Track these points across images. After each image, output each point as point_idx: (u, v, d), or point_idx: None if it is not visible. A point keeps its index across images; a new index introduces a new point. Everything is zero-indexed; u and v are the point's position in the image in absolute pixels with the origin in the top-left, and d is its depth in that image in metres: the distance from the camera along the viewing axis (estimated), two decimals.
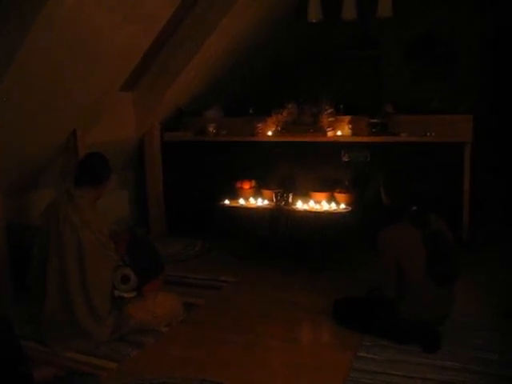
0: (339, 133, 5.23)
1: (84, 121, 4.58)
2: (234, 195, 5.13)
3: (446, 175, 4.77)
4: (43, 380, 2.58)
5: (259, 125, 5.47)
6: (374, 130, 5.04)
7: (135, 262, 3.56)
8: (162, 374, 3.02)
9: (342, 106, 5.39)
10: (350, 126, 5.21)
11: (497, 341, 3.33)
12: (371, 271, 3.71)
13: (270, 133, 5.46)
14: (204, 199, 5.43)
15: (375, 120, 5.05)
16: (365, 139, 5.05)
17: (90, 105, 4.46)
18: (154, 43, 4.71)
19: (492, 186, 5.38)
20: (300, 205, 4.79)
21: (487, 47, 6.19)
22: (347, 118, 5.26)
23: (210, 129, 5.68)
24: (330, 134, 5.18)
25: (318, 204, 4.75)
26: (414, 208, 3.29)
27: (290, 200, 4.83)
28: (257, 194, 5.12)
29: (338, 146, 5.13)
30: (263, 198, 5.02)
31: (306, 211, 4.72)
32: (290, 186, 4.98)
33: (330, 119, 5.21)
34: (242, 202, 5.04)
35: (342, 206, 4.69)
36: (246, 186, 5.18)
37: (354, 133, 5.19)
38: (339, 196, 4.76)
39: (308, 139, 5.21)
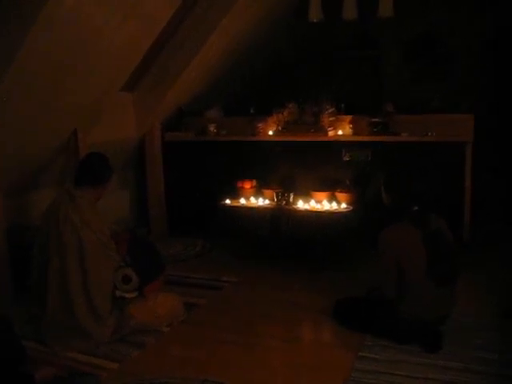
0: (340, 132, 5.23)
1: (84, 121, 4.57)
2: (235, 195, 5.13)
3: (447, 175, 4.76)
4: (43, 380, 2.58)
5: (260, 124, 5.46)
6: (374, 130, 5.03)
7: (136, 262, 3.55)
8: (162, 374, 3.02)
9: (342, 105, 5.39)
10: (351, 125, 5.21)
11: (497, 341, 3.32)
12: (371, 271, 3.70)
13: (270, 132, 5.46)
14: (205, 199, 5.43)
15: (376, 119, 5.04)
16: (366, 139, 5.05)
17: (90, 105, 4.46)
18: (155, 44, 4.71)
19: (492, 186, 5.37)
20: (301, 204, 4.78)
21: (487, 47, 6.18)
22: (348, 117, 5.26)
23: (211, 129, 5.67)
24: (330, 133, 5.18)
25: (319, 203, 4.75)
26: (415, 208, 3.29)
27: (291, 199, 4.82)
28: (258, 193, 5.11)
29: (338, 145, 5.12)
30: (264, 198, 5.02)
31: (306, 211, 4.72)
32: (290, 185, 4.98)
33: (330, 119, 5.20)
34: (242, 201, 5.04)
35: (343, 205, 4.68)
36: (247, 185, 5.18)
37: (355, 132, 5.18)
38: (340, 195, 4.75)
39: (309, 139, 5.21)
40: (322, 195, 4.80)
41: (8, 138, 3.90)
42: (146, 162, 5.78)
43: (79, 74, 4.03)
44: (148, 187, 5.84)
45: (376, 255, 3.39)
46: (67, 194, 3.47)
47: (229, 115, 5.94)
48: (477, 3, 6.16)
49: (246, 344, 3.42)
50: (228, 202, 5.05)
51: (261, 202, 4.99)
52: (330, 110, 5.23)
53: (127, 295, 3.55)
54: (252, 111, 5.72)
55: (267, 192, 5.03)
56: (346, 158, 5.10)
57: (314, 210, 4.70)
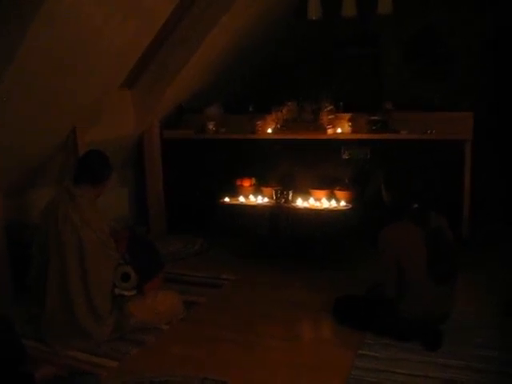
0: (339, 130, 5.22)
1: (83, 119, 4.56)
2: (234, 193, 5.12)
3: (447, 173, 4.76)
4: (44, 379, 2.57)
5: (259, 122, 5.45)
6: (374, 128, 5.02)
7: (136, 260, 3.55)
8: (162, 372, 3.01)
9: (341, 103, 5.38)
10: (350, 123, 5.19)
11: (497, 339, 3.33)
12: (371, 270, 3.70)
13: (269, 130, 5.45)
14: (204, 197, 5.42)
15: (375, 117, 5.03)
16: (365, 136, 5.04)
17: (89, 103, 4.44)
18: (154, 41, 4.69)
19: (492, 186, 5.36)
20: (300, 202, 4.78)
21: (487, 47, 6.17)
22: (347, 115, 5.24)
23: (210, 126, 5.66)
24: (330, 131, 5.17)
25: (318, 201, 4.74)
26: (415, 206, 3.29)
27: (290, 198, 4.82)
28: (257, 191, 5.10)
29: (338, 143, 5.11)
30: (263, 196, 5.01)
31: (306, 209, 4.71)
32: (289, 183, 4.97)
33: (329, 117, 5.19)
34: (242, 199, 5.04)
35: (342, 203, 4.68)
36: (246, 183, 5.17)
37: (354, 130, 5.17)
38: (339, 193, 4.75)
39: (308, 137, 5.19)
40: (321, 193, 4.79)
41: (7, 137, 3.88)
42: (145, 160, 5.76)
43: (79, 73, 4.02)
44: (147, 185, 5.83)
45: (376, 254, 3.39)
46: (66, 192, 3.46)
47: (228, 113, 5.92)
48: (477, 3, 6.15)
49: (245, 342, 3.42)
50: (227, 200, 5.04)
51: (260, 200, 4.98)
52: (329, 108, 5.22)
53: (126, 293, 3.55)
54: (251, 109, 5.71)
55: (266, 190, 5.02)
56: (345, 156, 5.08)
57: (313, 208, 4.70)
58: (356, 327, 3.48)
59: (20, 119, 3.88)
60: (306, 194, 4.85)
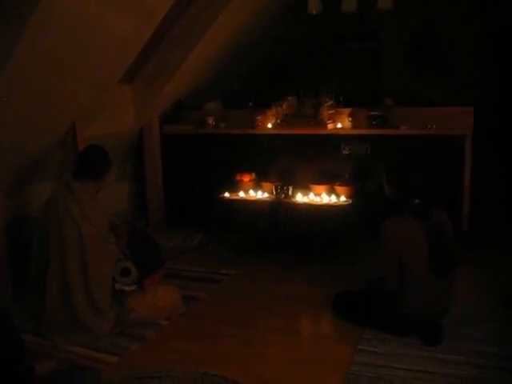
0: (339, 125, 5.20)
1: (83, 114, 4.55)
2: (234, 188, 5.12)
3: (447, 168, 4.75)
4: (44, 374, 2.57)
5: (259, 117, 5.44)
6: (374, 123, 5.02)
7: (136, 255, 3.55)
8: (162, 367, 3.01)
9: (341, 98, 5.36)
10: (350, 118, 5.18)
11: (497, 334, 3.33)
12: (370, 264, 3.70)
13: (269, 125, 5.44)
14: (203, 192, 5.42)
15: (375, 113, 5.03)
16: (365, 132, 5.03)
17: (88, 98, 4.43)
18: (154, 36, 4.68)
19: (492, 186, 5.36)
20: (300, 197, 4.77)
21: (487, 47, 6.16)
22: (347, 110, 5.23)
23: (210, 121, 5.65)
24: (330, 126, 5.16)
25: (318, 197, 4.74)
26: (416, 201, 3.28)
27: (290, 193, 4.81)
28: (257, 186, 5.10)
29: (338, 138, 5.11)
30: (263, 191, 5.01)
31: (305, 204, 4.71)
32: (289, 178, 4.97)
33: (330, 112, 5.18)
34: (241, 194, 5.03)
35: (342, 198, 4.68)
36: (246, 178, 5.17)
37: (354, 125, 5.16)
38: (339, 189, 4.74)
39: (308, 132, 5.19)
40: (321, 188, 4.79)
41: (7, 137, 3.86)
42: (145, 155, 5.76)
43: (78, 71, 4.00)
44: (147, 180, 5.82)
45: (377, 248, 3.39)
46: (66, 187, 3.45)
47: (228, 108, 5.91)
48: (477, 3, 6.14)
49: (245, 337, 3.43)
50: (227, 195, 5.04)
51: (260, 195, 4.98)
52: (329, 103, 5.21)
53: (126, 288, 3.55)
54: (251, 104, 5.70)
55: (266, 185, 5.02)
56: (345, 152, 5.08)
57: (313, 203, 4.70)
58: (356, 322, 3.48)
59: (20, 119, 3.86)
60: (306, 189, 4.85)
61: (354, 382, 2.86)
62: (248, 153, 5.37)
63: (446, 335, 3.25)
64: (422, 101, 5.28)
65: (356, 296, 3.61)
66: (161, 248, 4.09)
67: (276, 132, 5.37)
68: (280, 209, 4.74)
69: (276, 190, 4.84)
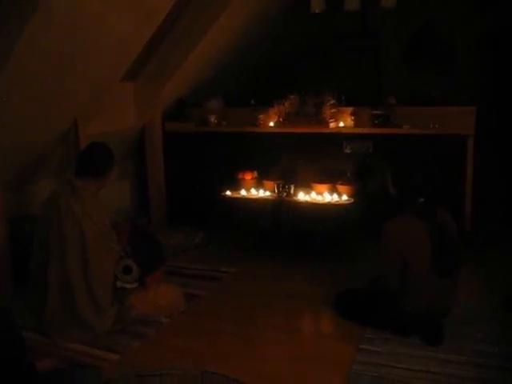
0: (341, 124, 5.19)
1: (85, 111, 4.54)
2: (236, 186, 5.11)
3: (449, 167, 4.74)
4: (44, 371, 2.57)
5: (261, 115, 5.42)
6: (376, 122, 5.00)
7: (137, 252, 3.55)
8: (163, 365, 3.01)
9: (343, 97, 5.35)
10: (353, 117, 5.17)
11: (498, 334, 3.34)
12: (371, 262, 3.69)
13: (271, 124, 5.42)
14: (205, 190, 5.41)
15: (378, 112, 5.01)
16: (367, 131, 5.02)
17: (90, 95, 4.42)
18: (156, 35, 4.67)
19: (492, 186, 5.35)
20: (302, 196, 4.77)
21: (487, 47, 6.15)
22: (350, 109, 5.21)
23: (212, 119, 5.64)
24: (332, 125, 5.14)
25: (320, 195, 4.73)
26: (421, 200, 3.28)
27: (292, 191, 4.81)
28: (258, 185, 5.10)
29: (340, 137, 5.09)
30: (265, 189, 5.00)
31: (307, 203, 4.70)
32: (291, 177, 4.96)
33: (332, 110, 5.17)
34: (243, 193, 5.03)
35: (344, 197, 4.67)
36: (248, 176, 5.16)
37: (357, 124, 5.14)
38: (341, 188, 4.74)
39: (310, 130, 5.18)
40: (323, 187, 4.78)
41: (7, 137, 3.85)
42: (147, 153, 5.75)
43: (79, 71, 3.98)
44: (148, 177, 5.82)
45: (377, 246, 3.39)
46: (68, 184, 3.45)
47: (230, 106, 5.90)
48: (477, 3, 6.12)
49: (245, 335, 3.43)
50: (228, 193, 5.04)
51: (261, 193, 4.98)
52: (332, 102, 5.20)
53: (128, 286, 3.56)
54: (253, 102, 5.69)
55: (268, 183, 5.01)
56: (347, 150, 5.06)
57: (315, 201, 4.69)
58: (357, 321, 3.48)
59: (20, 119, 3.85)
60: (307, 187, 4.85)
61: (354, 381, 2.86)
62: (250, 151, 5.36)
63: (447, 335, 3.25)
64: (421, 98, 5.27)
65: (357, 295, 3.61)
66: (162, 246, 4.09)
67: (278, 130, 5.35)
68: (282, 207, 4.73)
69: (278, 189, 4.83)
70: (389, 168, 3.54)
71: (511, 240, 5.06)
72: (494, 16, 6.00)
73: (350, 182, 4.76)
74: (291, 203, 4.73)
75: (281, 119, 5.38)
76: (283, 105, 5.36)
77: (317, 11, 5.48)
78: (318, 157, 5.11)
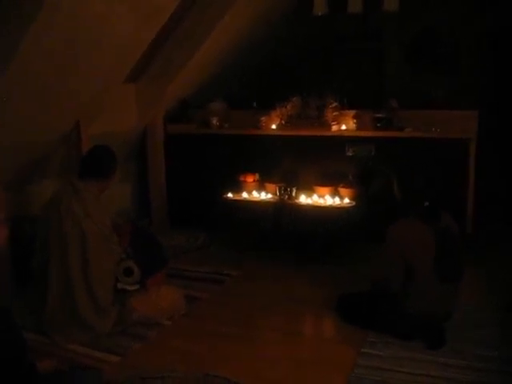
0: (344, 127, 5.19)
1: (86, 112, 4.55)
2: (237, 188, 5.11)
3: (451, 171, 4.73)
4: (44, 373, 2.57)
5: (263, 118, 5.42)
6: (378, 125, 5.01)
7: (138, 254, 3.55)
8: (164, 367, 3.01)
9: (345, 100, 5.35)
10: (355, 120, 5.17)
11: (498, 338, 3.33)
12: (372, 265, 3.69)
13: (273, 126, 5.42)
14: (207, 192, 5.41)
15: (380, 115, 5.02)
16: (369, 134, 5.02)
17: (92, 96, 4.42)
18: (159, 36, 4.67)
19: (492, 186, 5.35)
20: (303, 199, 4.77)
21: (487, 47, 6.15)
22: (352, 112, 5.21)
23: (214, 121, 5.64)
24: (334, 128, 5.15)
25: (322, 198, 4.73)
26: (426, 203, 3.28)
27: (294, 194, 4.81)
28: (260, 187, 5.10)
29: (342, 140, 5.09)
30: (266, 192, 5.00)
31: (309, 205, 4.70)
32: (293, 179, 4.96)
33: (334, 113, 5.17)
34: (245, 195, 5.03)
35: (346, 200, 4.67)
36: (250, 179, 5.16)
37: (359, 127, 5.14)
38: (343, 190, 4.74)
39: (312, 133, 5.18)
40: (325, 190, 4.78)
41: (7, 137, 3.86)
42: (148, 154, 5.75)
43: (81, 72, 3.99)
44: (150, 179, 5.82)
45: (380, 248, 3.38)
46: (71, 185, 3.45)
47: (232, 108, 5.90)
48: (477, 3, 6.13)
49: (247, 337, 3.43)
50: (230, 195, 5.04)
51: (263, 195, 4.98)
52: (334, 105, 5.20)
53: (129, 287, 3.55)
54: (255, 105, 5.69)
55: (270, 186, 5.01)
56: (350, 153, 5.06)
57: (317, 204, 4.69)
58: (359, 325, 3.48)
59: (20, 119, 3.85)
60: (309, 190, 4.84)
61: None
62: (252, 153, 5.36)
63: (448, 339, 3.24)
64: (422, 98, 5.27)
65: (359, 298, 3.60)
66: (164, 248, 4.08)
67: (280, 133, 5.35)
68: (283, 210, 4.73)
69: (280, 191, 4.83)
70: (395, 172, 3.53)
71: (511, 240, 5.05)
72: (494, 16, 6.01)
73: (351, 185, 4.75)
74: (293, 206, 4.73)
75: (283, 122, 5.38)
76: (285, 107, 5.35)
77: (319, 14, 5.47)
78: (320, 159, 5.11)
